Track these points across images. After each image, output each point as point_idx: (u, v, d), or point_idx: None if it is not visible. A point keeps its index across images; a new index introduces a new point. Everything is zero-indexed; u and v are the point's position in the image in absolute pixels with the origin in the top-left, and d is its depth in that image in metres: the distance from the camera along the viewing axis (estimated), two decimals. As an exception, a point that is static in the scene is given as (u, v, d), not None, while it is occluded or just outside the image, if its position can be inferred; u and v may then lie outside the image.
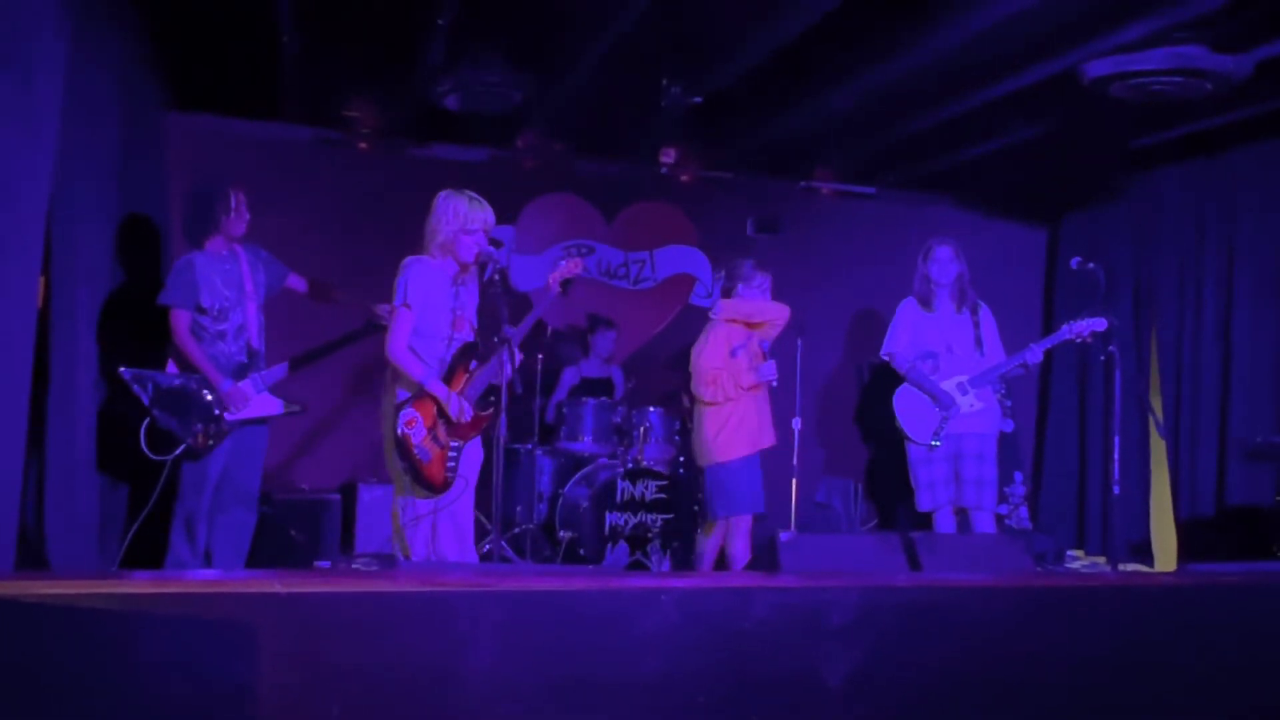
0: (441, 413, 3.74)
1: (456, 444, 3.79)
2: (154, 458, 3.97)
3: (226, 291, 4.17)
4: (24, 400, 3.33)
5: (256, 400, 4.20)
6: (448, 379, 3.78)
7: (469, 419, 3.78)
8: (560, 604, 2.40)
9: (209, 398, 4.09)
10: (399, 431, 3.69)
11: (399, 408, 3.72)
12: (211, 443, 4.09)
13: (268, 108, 5.99)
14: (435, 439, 3.74)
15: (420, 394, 3.73)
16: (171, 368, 4.15)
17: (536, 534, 5.66)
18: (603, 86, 5.41)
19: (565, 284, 4.14)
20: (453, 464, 3.77)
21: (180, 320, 4.10)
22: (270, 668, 2.10)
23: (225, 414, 4.10)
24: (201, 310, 4.12)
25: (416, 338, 3.77)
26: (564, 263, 4.19)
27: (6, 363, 3.21)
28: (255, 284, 4.27)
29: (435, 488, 3.74)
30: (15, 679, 1.95)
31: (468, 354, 3.85)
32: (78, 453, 3.98)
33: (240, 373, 4.18)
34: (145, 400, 3.99)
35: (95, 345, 4.16)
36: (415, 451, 3.69)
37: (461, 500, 3.85)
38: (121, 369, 4.02)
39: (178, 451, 4.00)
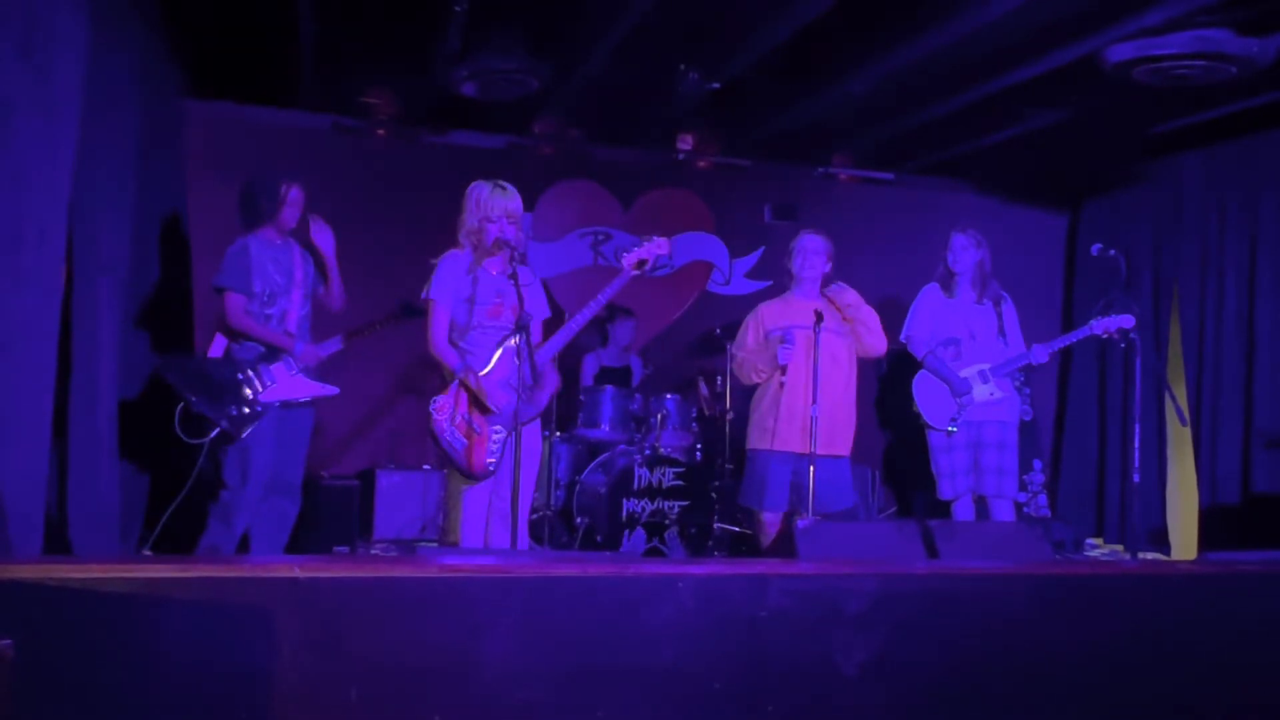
0: (475, 401, 3.76)
1: (499, 431, 3.78)
2: (189, 441, 3.97)
3: (278, 278, 4.20)
4: (49, 388, 3.36)
5: (291, 381, 4.18)
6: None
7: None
8: (577, 591, 2.40)
9: (242, 381, 4.09)
10: (430, 420, 3.72)
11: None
12: (248, 425, 4.08)
13: (286, 95, 6.01)
14: (470, 426, 3.74)
15: (452, 383, 3.74)
16: (215, 350, 4.16)
17: (554, 520, 5.67)
18: (620, 73, 5.39)
19: (640, 265, 3.91)
20: (495, 451, 3.77)
21: (236, 302, 4.12)
22: (288, 653, 2.12)
23: (260, 396, 4.10)
24: (250, 295, 4.14)
25: (458, 331, 3.79)
26: (646, 243, 3.91)
27: (31, 351, 3.24)
28: (305, 274, 4.30)
29: (473, 475, 3.75)
30: (38, 660, 1.97)
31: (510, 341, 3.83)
32: (100, 439, 4.01)
33: (270, 356, 4.16)
34: (178, 387, 3.99)
35: (117, 332, 4.19)
36: (443, 438, 3.71)
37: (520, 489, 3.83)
38: (158, 361, 4.00)
39: (213, 435, 4.00)
